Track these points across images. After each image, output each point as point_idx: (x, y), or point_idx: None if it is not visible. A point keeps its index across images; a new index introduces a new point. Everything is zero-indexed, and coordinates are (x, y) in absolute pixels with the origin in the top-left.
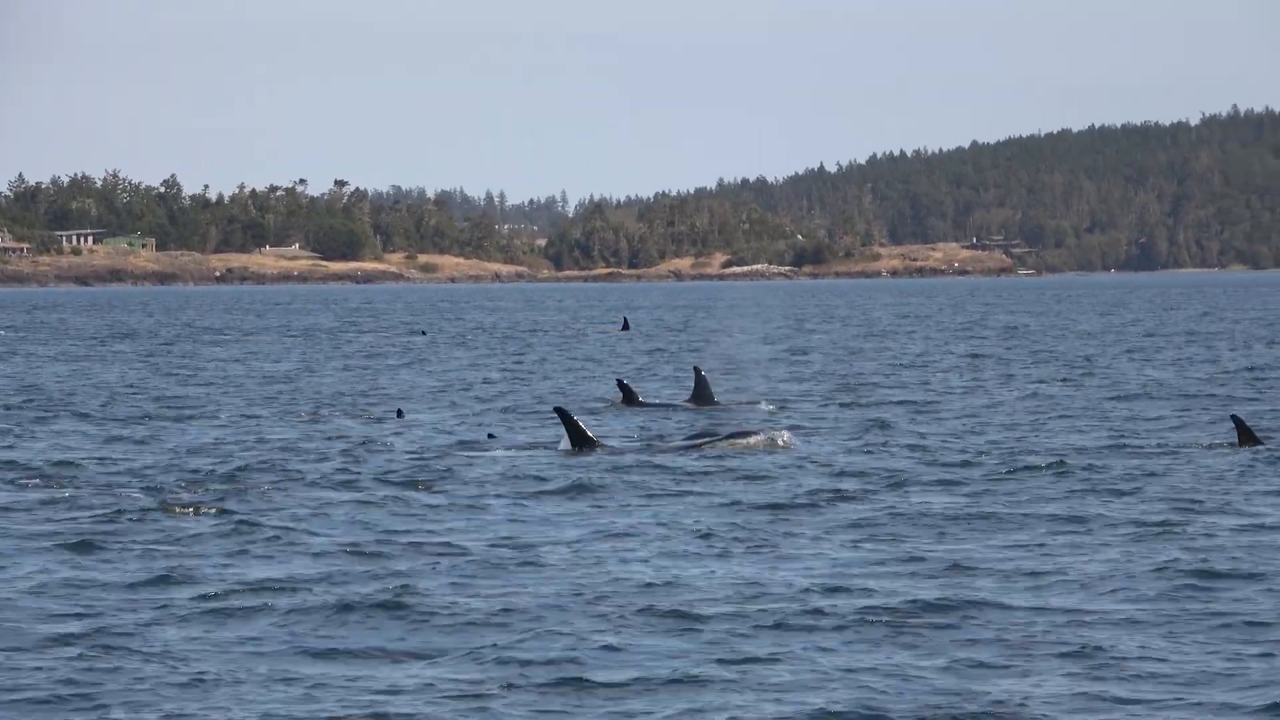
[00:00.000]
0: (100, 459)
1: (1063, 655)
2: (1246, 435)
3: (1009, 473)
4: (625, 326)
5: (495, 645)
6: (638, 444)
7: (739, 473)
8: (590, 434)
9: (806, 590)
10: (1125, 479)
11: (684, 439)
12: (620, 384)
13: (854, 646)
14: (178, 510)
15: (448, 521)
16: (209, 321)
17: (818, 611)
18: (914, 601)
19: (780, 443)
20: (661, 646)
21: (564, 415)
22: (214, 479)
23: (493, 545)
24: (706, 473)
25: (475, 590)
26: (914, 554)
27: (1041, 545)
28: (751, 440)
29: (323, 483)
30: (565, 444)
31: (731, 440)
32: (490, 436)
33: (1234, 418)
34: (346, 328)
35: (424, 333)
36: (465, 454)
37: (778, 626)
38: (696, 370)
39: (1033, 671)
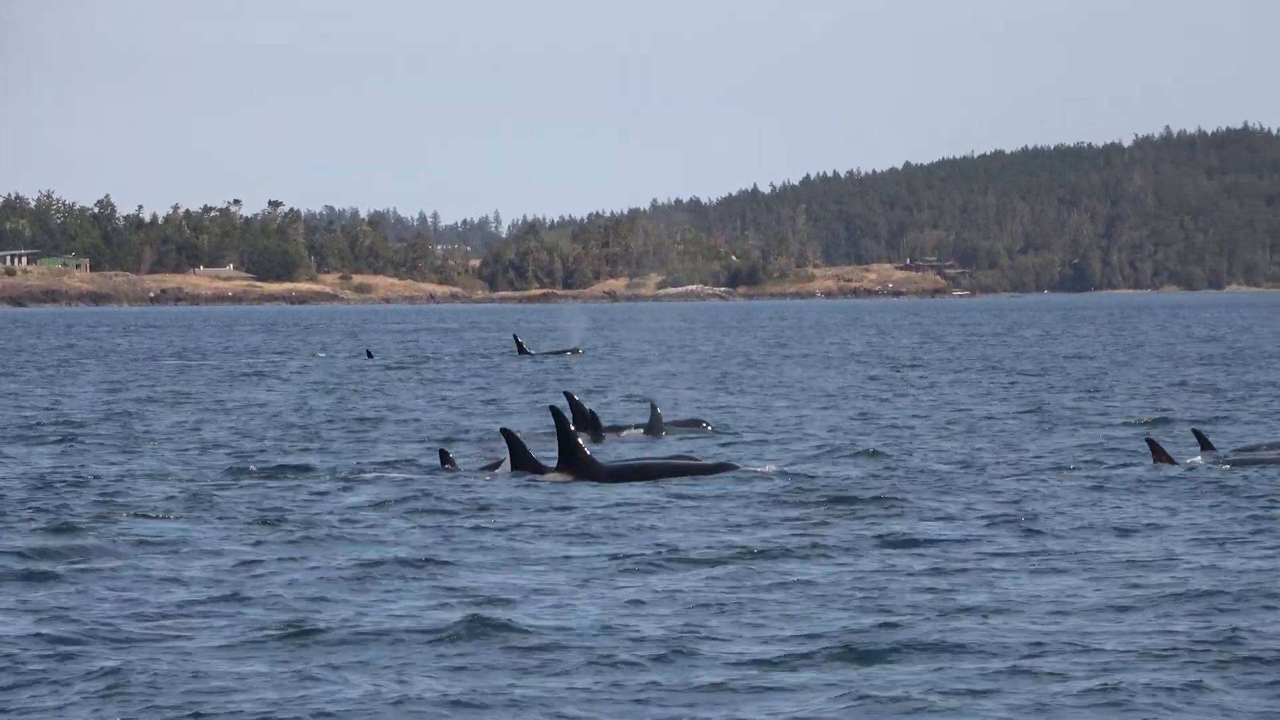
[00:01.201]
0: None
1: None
2: (1160, 455)
3: (912, 496)
4: (577, 351)
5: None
6: (622, 465)
7: (731, 503)
8: (583, 450)
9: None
10: (1039, 500)
11: (664, 458)
12: (569, 398)
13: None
14: (118, 537)
15: (428, 551)
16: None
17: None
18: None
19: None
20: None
21: (558, 416)
22: (149, 508)
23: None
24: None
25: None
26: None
27: (931, 571)
28: (742, 470)
29: (279, 511)
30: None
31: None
32: (445, 457)
33: (1148, 440)
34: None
35: (370, 354)
36: (430, 478)
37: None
38: (652, 405)
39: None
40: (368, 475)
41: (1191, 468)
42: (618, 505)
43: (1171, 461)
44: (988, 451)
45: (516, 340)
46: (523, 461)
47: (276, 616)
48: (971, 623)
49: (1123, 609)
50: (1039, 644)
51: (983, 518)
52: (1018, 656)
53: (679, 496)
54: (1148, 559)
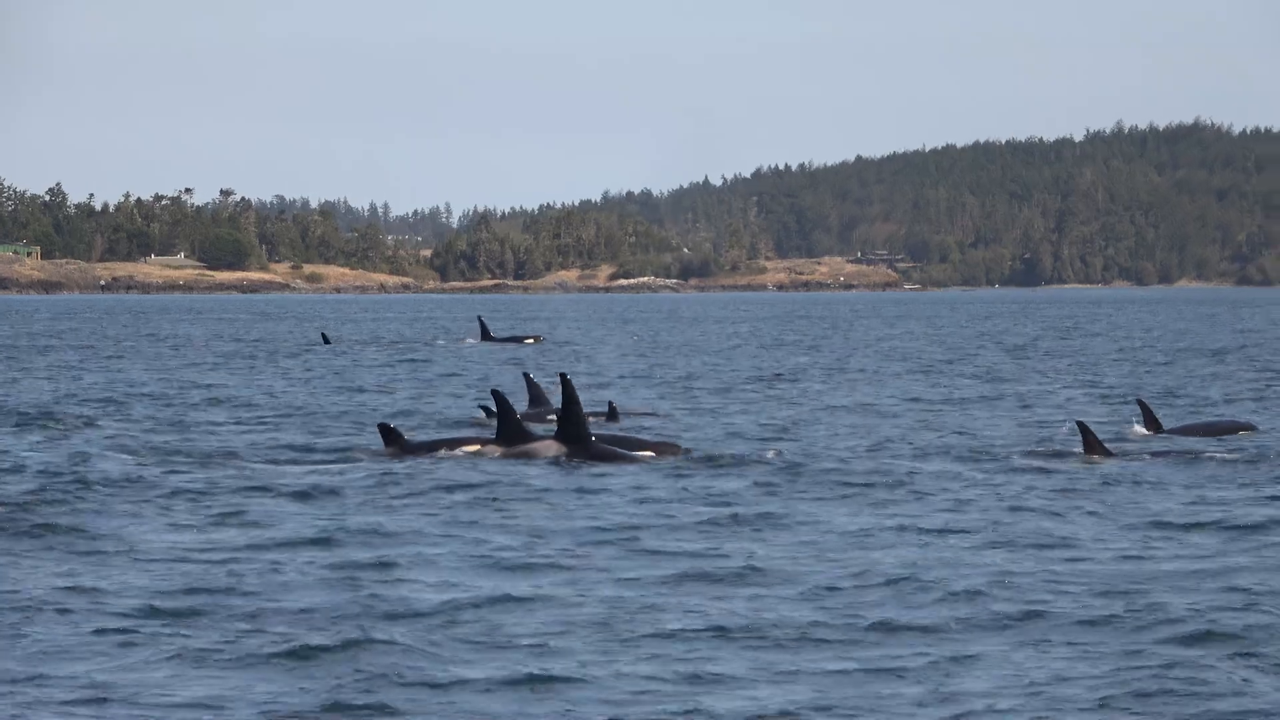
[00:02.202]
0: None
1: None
2: (1092, 444)
3: (839, 482)
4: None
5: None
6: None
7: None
8: (583, 428)
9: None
10: (947, 488)
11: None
12: (527, 379)
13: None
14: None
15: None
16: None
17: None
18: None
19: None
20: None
21: (567, 386)
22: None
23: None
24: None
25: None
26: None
27: (839, 557)
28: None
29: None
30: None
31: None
32: (390, 434)
33: (1079, 424)
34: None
35: (327, 340)
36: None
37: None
38: (610, 404)
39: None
40: (329, 459)
41: (1125, 453)
42: (621, 480)
43: (1105, 451)
44: (942, 441)
45: (481, 323)
46: (512, 428)
47: (226, 604)
48: (889, 599)
49: (1031, 609)
50: (948, 632)
51: (899, 505)
52: (925, 633)
53: (676, 475)
54: (1061, 546)
